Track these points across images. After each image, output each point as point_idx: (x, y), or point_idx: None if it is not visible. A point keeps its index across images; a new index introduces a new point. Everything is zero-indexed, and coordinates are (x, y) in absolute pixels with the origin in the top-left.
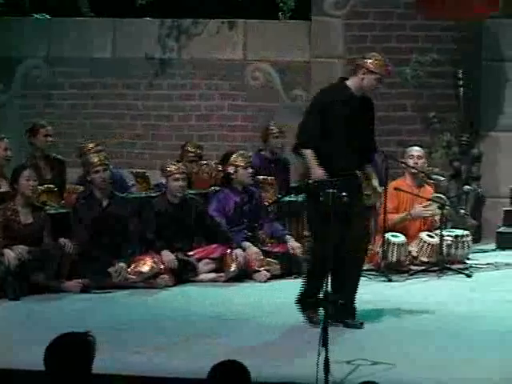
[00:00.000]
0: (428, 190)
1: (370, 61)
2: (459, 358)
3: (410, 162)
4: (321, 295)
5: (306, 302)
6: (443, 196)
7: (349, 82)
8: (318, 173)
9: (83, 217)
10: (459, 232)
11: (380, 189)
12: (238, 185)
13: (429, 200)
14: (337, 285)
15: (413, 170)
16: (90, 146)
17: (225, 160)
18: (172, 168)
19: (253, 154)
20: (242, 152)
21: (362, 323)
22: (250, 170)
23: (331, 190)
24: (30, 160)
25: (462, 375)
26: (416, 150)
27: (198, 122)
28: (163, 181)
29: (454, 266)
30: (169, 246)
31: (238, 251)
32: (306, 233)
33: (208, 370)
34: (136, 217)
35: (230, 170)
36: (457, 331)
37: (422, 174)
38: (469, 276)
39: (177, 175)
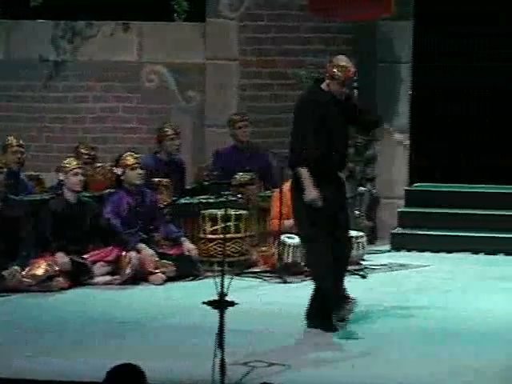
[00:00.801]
0: None
1: (333, 67)
2: (358, 356)
3: None
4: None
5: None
6: None
7: (323, 86)
8: (313, 194)
9: None
10: (354, 233)
11: None
12: (128, 186)
13: None
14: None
15: None
16: None
17: (118, 162)
18: (72, 163)
19: (148, 155)
20: (130, 153)
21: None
22: (140, 171)
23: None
24: None
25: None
26: None
27: (92, 125)
28: (61, 177)
29: (350, 267)
30: (64, 247)
31: (133, 253)
32: (201, 234)
33: (104, 373)
34: (31, 219)
35: (118, 171)
36: (349, 330)
37: None
38: (364, 277)
39: (76, 170)
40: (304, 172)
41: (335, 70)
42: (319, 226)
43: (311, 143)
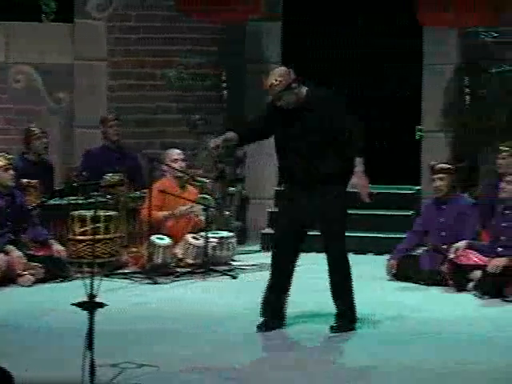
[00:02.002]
0: (193, 192)
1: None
2: (218, 358)
3: (175, 165)
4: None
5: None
6: (208, 196)
7: None
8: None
9: None
10: (224, 233)
11: None
12: (0, 187)
13: (193, 202)
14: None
15: (179, 174)
16: None
17: None
18: None
19: (16, 156)
20: (2, 154)
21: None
22: (12, 172)
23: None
24: None
25: (221, 375)
26: (177, 153)
27: None
28: None
29: (220, 268)
30: None
31: (1, 255)
32: (70, 236)
33: None
34: None
35: None
36: (216, 331)
37: (187, 177)
38: (234, 277)
39: None
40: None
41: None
42: (280, 229)
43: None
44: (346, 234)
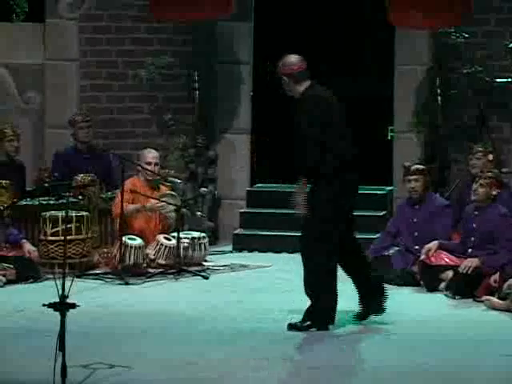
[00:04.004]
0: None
1: None
2: (189, 358)
3: (148, 167)
4: None
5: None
6: (174, 193)
7: None
8: None
9: None
10: (196, 234)
11: None
12: None
13: (163, 200)
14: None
15: (150, 177)
16: None
17: None
18: None
19: None
20: None
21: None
22: None
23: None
24: None
25: (192, 375)
26: (153, 156)
27: None
28: None
29: (192, 268)
30: None
31: None
32: (41, 236)
33: None
34: None
35: None
36: (187, 331)
37: (159, 177)
38: (206, 278)
39: None
40: None
41: None
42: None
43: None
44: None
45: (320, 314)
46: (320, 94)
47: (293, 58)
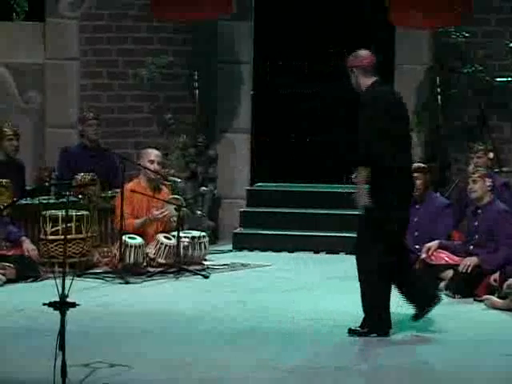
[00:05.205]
0: (165, 192)
1: None
2: (189, 358)
3: (151, 166)
4: None
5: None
6: (179, 197)
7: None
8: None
9: None
10: (196, 233)
11: None
12: None
13: (166, 202)
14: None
15: (152, 176)
16: None
17: None
18: None
19: None
20: None
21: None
22: None
23: None
24: None
25: (192, 375)
26: (155, 155)
27: None
28: None
29: (192, 268)
30: None
31: None
32: (42, 236)
33: None
34: None
35: None
36: (187, 331)
37: (159, 177)
38: (206, 277)
39: None
40: None
41: None
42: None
43: None
44: (317, 233)
45: (377, 320)
46: (384, 90)
47: (364, 52)
